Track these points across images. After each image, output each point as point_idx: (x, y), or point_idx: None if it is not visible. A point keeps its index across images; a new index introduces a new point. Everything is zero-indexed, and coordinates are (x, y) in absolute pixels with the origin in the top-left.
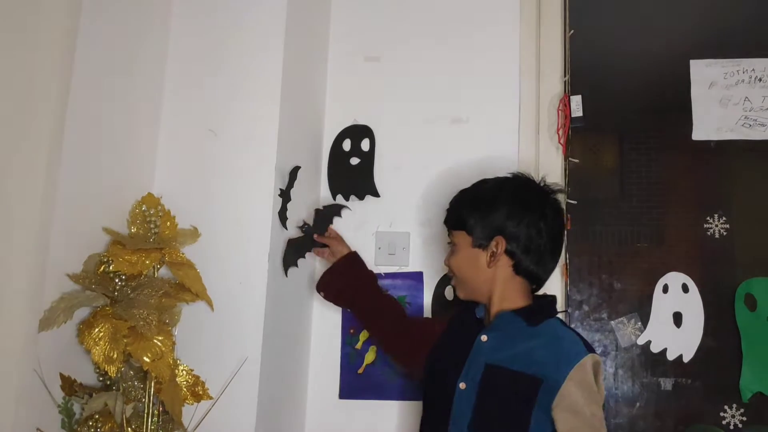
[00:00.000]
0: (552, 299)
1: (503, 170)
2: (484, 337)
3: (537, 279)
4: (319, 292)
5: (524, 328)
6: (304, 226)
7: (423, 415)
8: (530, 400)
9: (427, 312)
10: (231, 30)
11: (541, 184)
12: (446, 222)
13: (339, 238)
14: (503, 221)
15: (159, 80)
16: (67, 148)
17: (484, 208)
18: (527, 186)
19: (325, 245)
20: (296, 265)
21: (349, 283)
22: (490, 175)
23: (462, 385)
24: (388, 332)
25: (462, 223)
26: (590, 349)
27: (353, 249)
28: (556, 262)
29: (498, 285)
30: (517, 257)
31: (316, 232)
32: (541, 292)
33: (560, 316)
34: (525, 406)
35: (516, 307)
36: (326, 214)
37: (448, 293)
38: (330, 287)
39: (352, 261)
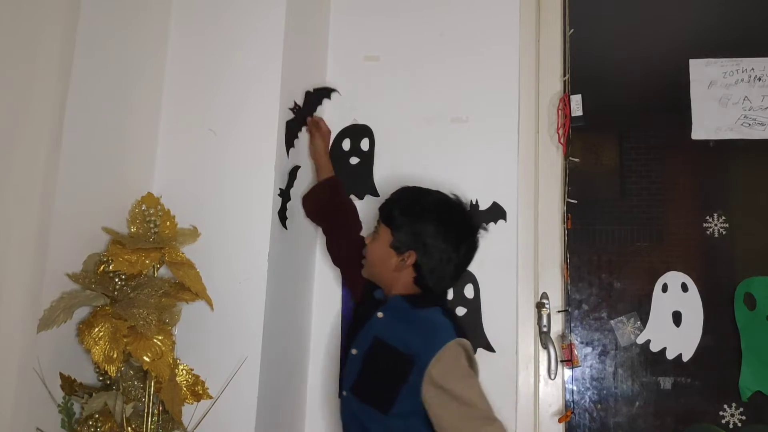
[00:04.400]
0: (436, 297)
1: (504, 169)
2: (380, 314)
3: (431, 291)
4: (303, 206)
5: (409, 311)
6: (294, 108)
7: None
8: (402, 375)
9: None
10: (231, 30)
11: (471, 218)
12: (380, 210)
13: (327, 135)
14: (423, 239)
15: (159, 80)
16: (66, 147)
17: (415, 219)
18: (459, 217)
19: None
20: (293, 146)
21: (324, 207)
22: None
23: (354, 351)
24: (340, 252)
25: (390, 221)
26: (461, 335)
27: None
28: (454, 284)
29: (396, 283)
30: (421, 273)
31: (306, 114)
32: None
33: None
34: (396, 381)
35: (405, 293)
36: (316, 96)
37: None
38: (311, 206)
39: (333, 186)
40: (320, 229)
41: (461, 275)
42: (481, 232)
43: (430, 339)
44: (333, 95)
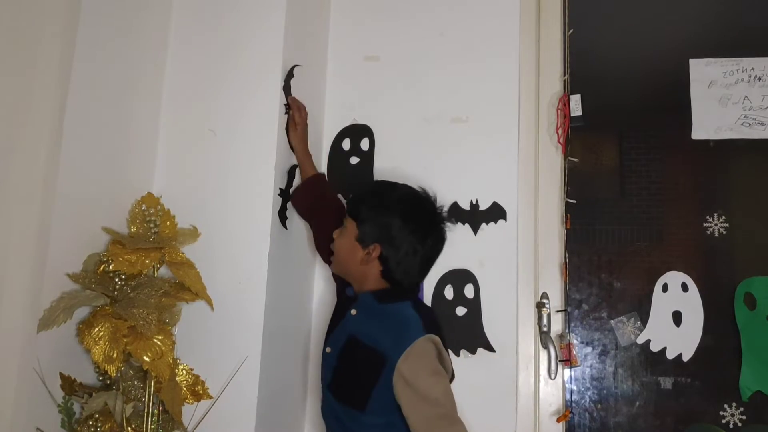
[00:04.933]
0: (404, 291)
1: (504, 169)
2: (353, 311)
3: (399, 285)
4: (294, 205)
5: (377, 307)
6: (287, 110)
7: None
8: (374, 374)
9: None
10: (231, 30)
11: (438, 210)
12: (347, 204)
13: (305, 123)
14: (388, 232)
15: (159, 80)
16: (66, 147)
17: (380, 212)
18: (425, 208)
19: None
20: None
21: (311, 205)
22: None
23: (328, 349)
24: (324, 248)
25: (356, 214)
26: (431, 331)
27: None
28: (423, 278)
29: (365, 278)
30: (387, 266)
31: (287, 92)
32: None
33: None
34: (369, 379)
35: (374, 289)
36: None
37: (448, 292)
38: (299, 204)
39: (317, 184)
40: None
41: (429, 268)
42: (448, 225)
43: (399, 335)
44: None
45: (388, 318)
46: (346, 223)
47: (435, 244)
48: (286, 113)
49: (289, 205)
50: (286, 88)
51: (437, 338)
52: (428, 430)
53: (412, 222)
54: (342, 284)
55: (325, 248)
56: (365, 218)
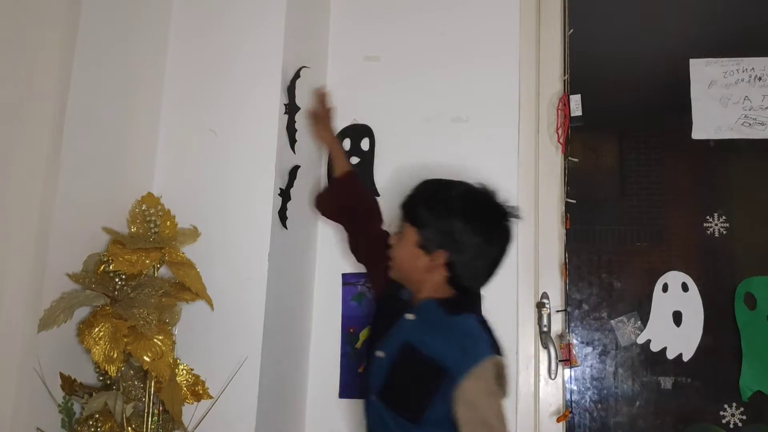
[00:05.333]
0: (474, 296)
1: (504, 168)
2: (410, 316)
3: (466, 291)
4: (317, 209)
5: (443, 318)
6: (286, 109)
7: None
8: (433, 387)
9: None
10: (230, 30)
11: (502, 205)
12: (402, 208)
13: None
14: (452, 236)
15: (159, 80)
16: (66, 147)
17: (440, 215)
18: (487, 205)
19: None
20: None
21: (347, 205)
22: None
23: (379, 353)
24: (364, 250)
25: (414, 219)
26: (497, 352)
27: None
28: (489, 281)
29: (426, 284)
30: (454, 272)
31: (291, 93)
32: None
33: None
34: (428, 390)
35: (439, 297)
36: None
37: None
38: (328, 206)
39: (352, 183)
40: (339, 228)
41: (497, 270)
42: (514, 220)
43: (466, 352)
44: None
45: (453, 331)
46: (403, 228)
47: (502, 243)
48: (285, 113)
49: (289, 205)
50: (291, 89)
51: (502, 360)
52: None
53: (475, 222)
54: (392, 285)
55: (362, 250)
56: (425, 223)
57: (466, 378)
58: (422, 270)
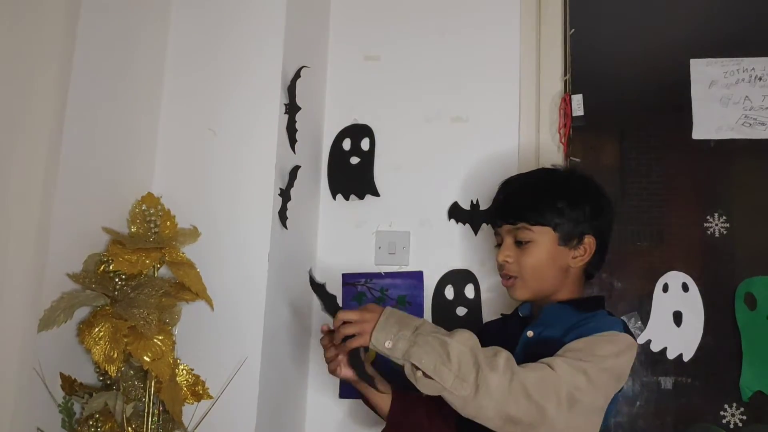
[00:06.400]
0: (599, 297)
1: (504, 169)
2: (530, 333)
3: (592, 276)
4: None
5: (572, 315)
6: (286, 109)
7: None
8: None
9: (427, 311)
10: (230, 29)
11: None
12: (516, 217)
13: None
14: (592, 219)
15: (158, 79)
16: (66, 147)
17: (571, 203)
18: (593, 181)
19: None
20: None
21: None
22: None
23: None
24: None
25: (545, 219)
26: (630, 334)
27: (353, 250)
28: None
29: (567, 282)
30: (596, 257)
31: (292, 93)
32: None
33: None
34: None
35: (566, 299)
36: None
37: (448, 293)
38: None
39: (404, 408)
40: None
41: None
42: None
43: (594, 328)
44: (331, 94)
45: (581, 318)
46: (525, 236)
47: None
48: (285, 113)
49: (289, 205)
50: (291, 89)
51: (635, 342)
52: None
53: (598, 199)
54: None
55: None
56: (560, 219)
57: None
58: (565, 266)
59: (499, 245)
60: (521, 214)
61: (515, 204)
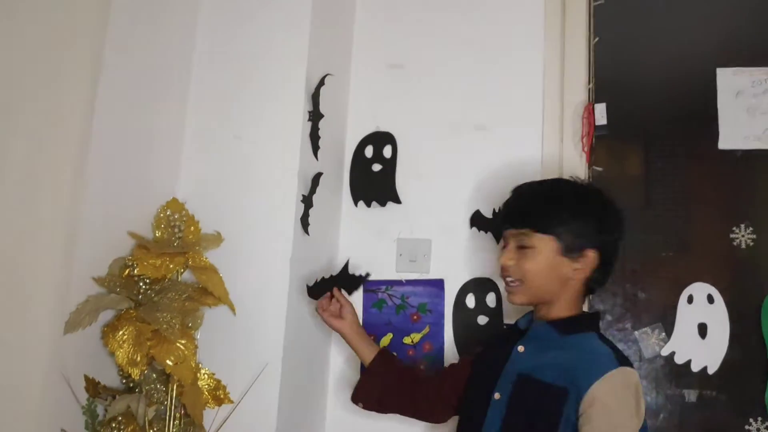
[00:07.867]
0: (592, 314)
1: (527, 178)
2: (521, 348)
3: (593, 291)
4: (357, 403)
5: (557, 339)
6: (310, 116)
7: (458, 426)
8: (556, 413)
9: (448, 319)
10: (255, 37)
11: (604, 195)
12: (522, 223)
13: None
14: (596, 233)
15: (185, 86)
16: (93, 153)
17: (576, 215)
18: (607, 197)
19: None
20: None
21: (388, 388)
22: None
23: (497, 395)
24: (423, 410)
25: (548, 227)
26: (625, 364)
27: (374, 257)
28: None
29: (565, 293)
30: (599, 272)
31: (315, 100)
32: None
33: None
34: (550, 419)
35: (560, 317)
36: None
37: (470, 301)
38: (369, 396)
39: (386, 361)
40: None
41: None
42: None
43: (588, 366)
44: (354, 101)
45: (571, 349)
46: (529, 242)
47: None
48: (309, 120)
49: (311, 211)
50: (315, 97)
51: (635, 373)
52: None
53: (607, 214)
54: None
55: (423, 411)
56: (564, 228)
57: (596, 385)
58: (563, 277)
59: (504, 248)
60: (526, 220)
61: (522, 210)
